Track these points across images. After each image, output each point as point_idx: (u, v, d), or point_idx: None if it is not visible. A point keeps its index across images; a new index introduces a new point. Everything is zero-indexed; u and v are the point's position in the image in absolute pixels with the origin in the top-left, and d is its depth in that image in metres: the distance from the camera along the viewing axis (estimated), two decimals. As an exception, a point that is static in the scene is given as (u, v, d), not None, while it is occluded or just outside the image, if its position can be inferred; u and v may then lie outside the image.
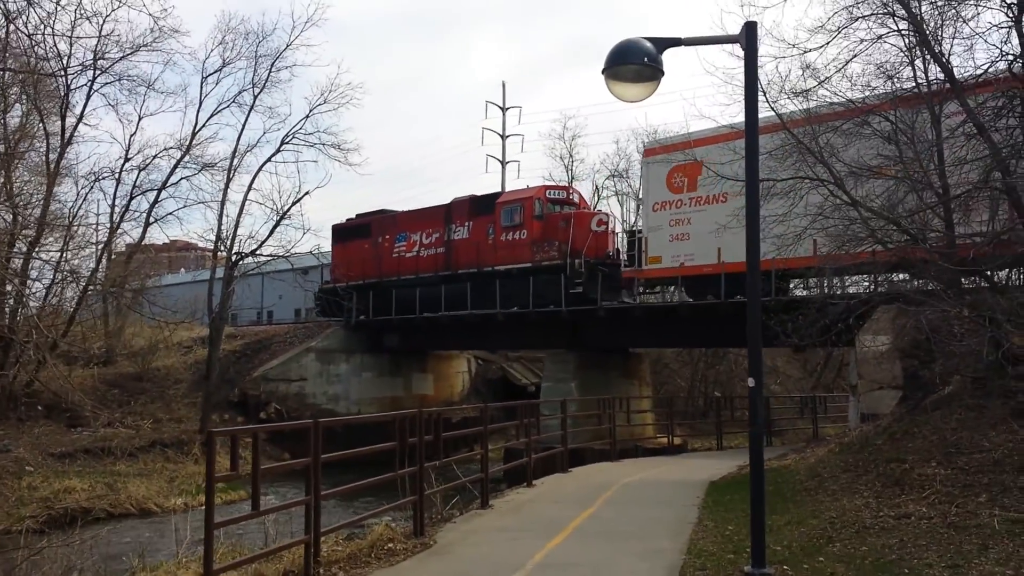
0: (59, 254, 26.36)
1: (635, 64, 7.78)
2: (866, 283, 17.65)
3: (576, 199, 29.64)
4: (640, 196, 26.33)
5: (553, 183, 30.92)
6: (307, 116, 35.89)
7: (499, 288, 27.69)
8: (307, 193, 40.94)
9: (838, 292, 16.98)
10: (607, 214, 28.54)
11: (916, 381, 15.67)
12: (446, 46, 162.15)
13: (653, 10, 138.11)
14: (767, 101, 15.45)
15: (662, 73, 7.94)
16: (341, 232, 35.27)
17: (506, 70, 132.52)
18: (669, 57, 8.22)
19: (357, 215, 35.63)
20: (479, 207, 30.02)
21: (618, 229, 28.65)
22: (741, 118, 18.48)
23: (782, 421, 28.76)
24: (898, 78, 15.04)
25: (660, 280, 25.21)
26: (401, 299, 30.57)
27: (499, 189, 37.88)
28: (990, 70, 13.66)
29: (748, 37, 7.84)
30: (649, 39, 7.94)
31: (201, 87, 34.01)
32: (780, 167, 15.79)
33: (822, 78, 15.17)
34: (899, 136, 14.96)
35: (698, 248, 22.97)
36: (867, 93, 15.37)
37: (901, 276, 16.33)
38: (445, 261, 30.49)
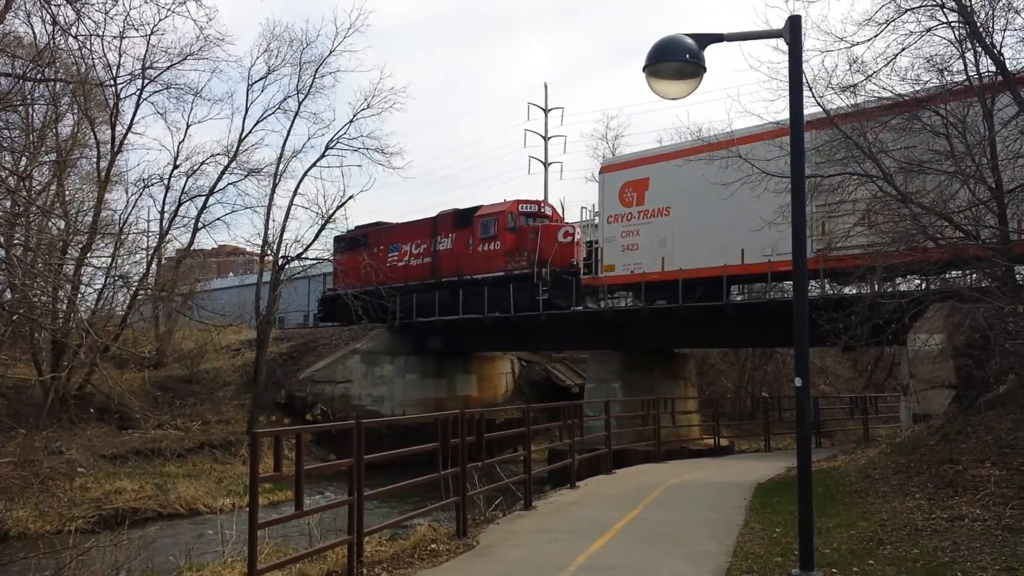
0: (110, 260, 26.89)
1: (676, 61, 7.67)
2: (917, 281, 17.30)
3: (548, 212, 31.76)
4: (597, 209, 27.62)
5: (527, 198, 32.61)
6: (351, 121, 36.18)
7: (487, 294, 29.53)
8: (351, 197, 41.25)
9: (888, 290, 16.64)
10: (573, 226, 30.11)
11: (970, 380, 15.27)
12: (487, 49, 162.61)
13: (696, 7, 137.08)
14: (813, 96, 15.23)
15: (704, 70, 7.81)
16: (341, 242, 35.96)
17: (548, 71, 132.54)
18: (712, 53, 8.10)
19: (356, 227, 36.11)
20: (461, 220, 32.32)
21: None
22: (786, 114, 18.29)
23: (832, 422, 28.28)
24: (948, 71, 14.74)
25: (615, 287, 26.91)
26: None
27: (542, 190, 38.23)
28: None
29: (792, 31, 7.69)
30: (690, 35, 7.82)
31: (247, 94, 34.44)
32: (826, 164, 15.53)
33: (870, 72, 14.91)
34: (950, 130, 14.64)
35: (645, 257, 25.08)
36: (916, 87, 15.08)
37: (954, 273, 15.98)
38: (431, 270, 32.75)
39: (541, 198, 32.98)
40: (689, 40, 7.79)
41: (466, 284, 30.84)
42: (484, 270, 30.45)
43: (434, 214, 33.89)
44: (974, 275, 15.61)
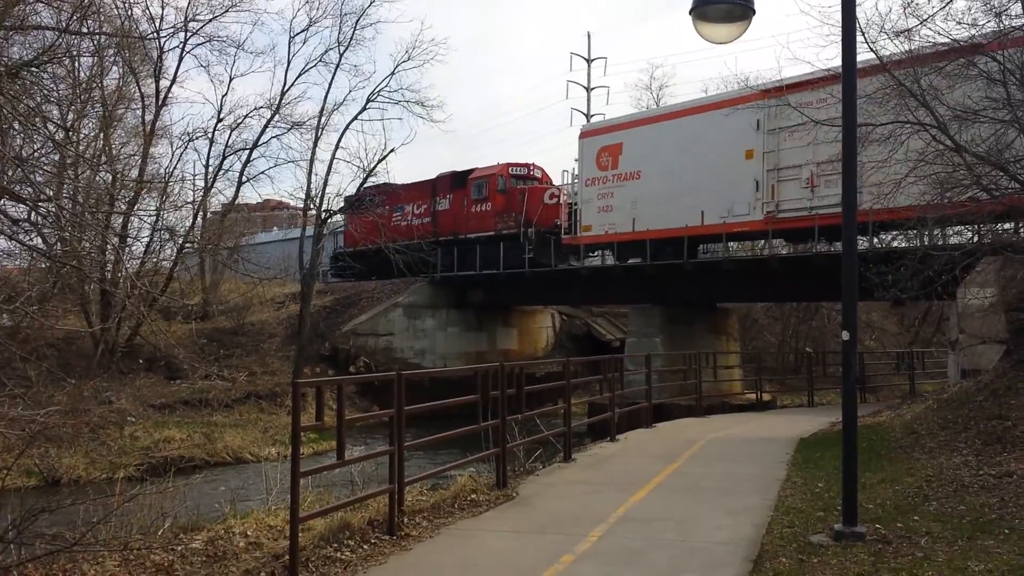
0: (156, 213, 27.20)
1: (724, 3, 7.45)
2: (969, 233, 16.85)
3: (538, 175, 33.06)
4: (576, 173, 28.85)
5: (517, 161, 33.54)
6: (392, 73, 36.04)
7: (479, 252, 31.19)
8: (392, 150, 41.75)
9: (939, 243, 16.25)
10: (559, 188, 31.12)
11: (1021, 335, 14.91)
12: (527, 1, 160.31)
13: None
14: (866, 42, 14.68)
15: (753, 12, 7.59)
16: (351, 203, 36.12)
17: (591, 21, 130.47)
18: (759, -5, 7.82)
19: (364, 187, 35.92)
20: (456, 182, 33.95)
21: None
22: (838, 61, 17.78)
23: (877, 377, 27.90)
24: (1007, 15, 14.16)
25: (594, 246, 28.41)
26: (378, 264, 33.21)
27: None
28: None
29: (844, -30, 7.42)
30: (738, -25, 7.58)
31: (289, 47, 34.47)
32: (879, 111, 15.08)
33: (925, 16, 14.36)
34: (1007, 77, 14.12)
35: (619, 218, 26.59)
36: (973, 32, 14.53)
37: (1008, 226, 15.53)
38: (432, 229, 34.11)
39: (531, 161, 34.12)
40: (737, -19, 7.55)
41: (461, 243, 32.53)
42: (477, 229, 32.19)
43: (434, 176, 35.41)
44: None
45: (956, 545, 6.61)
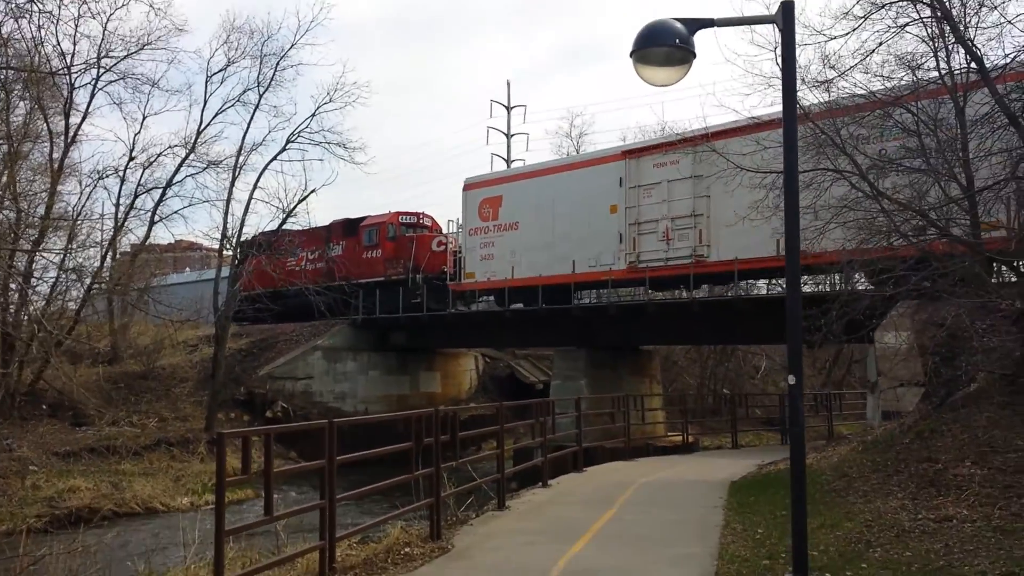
0: (63, 253, 26.04)
1: (665, 46, 7.40)
2: (884, 278, 17.32)
3: (428, 223, 34.47)
4: (460, 223, 30.43)
5: (409, 210, 35.07)
6: (313, 114, 35.38)
7: (378, 297, 31.96)
8: (313, 191, 41.11)
9: (860, 288, 16.65)
10: (447, 236, 32.22)
11: (938, 378, 15.26)
12: (448, 48, 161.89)
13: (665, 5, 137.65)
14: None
15: (693, 56, 7.55)
16: (248, 247, 35.18)
17: (511, 70, 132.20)
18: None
19: (260, 233, 35.34)
20: (349, 229, 35.15)
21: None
22: (761, 110, 18.17)
23: (795, 419, 28.32)
24: (922, 68, 14.70)
25: (476, 291, 29.68)
26: (297, 306, 33.08)
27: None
28: (1019, 59, 13.33)
29: (785, 17, 7.47)
30: (680, 20, 7.56)
31: (206, 86, 33.50)
32: (801, 159, 15.41)
33: (843, 69, 14.81)
34: (921, 128, 14.62)
35: (499, 266, 28.17)
36: (889, 85, 15.05)
37: (925, 271, 15.99)
38: (325, 274, 34.54)
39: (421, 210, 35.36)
40: (679, 25, 7.52)
41: (353, 288, 33.01)
42: (368, 275, 33.07)
43: (328, 223, 36.30)
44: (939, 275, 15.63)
45: (909, 594, 6.54)
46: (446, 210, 67.28)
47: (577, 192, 26.14)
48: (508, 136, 51.97)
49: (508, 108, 51.84)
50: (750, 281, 25.54)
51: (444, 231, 33.14)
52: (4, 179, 24.52)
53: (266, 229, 33.22)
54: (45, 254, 24.69)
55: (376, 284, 32.37)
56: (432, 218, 34.87)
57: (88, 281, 28.44)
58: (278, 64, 33.63)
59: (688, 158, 23.34)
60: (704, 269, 23.24)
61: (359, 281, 33.04)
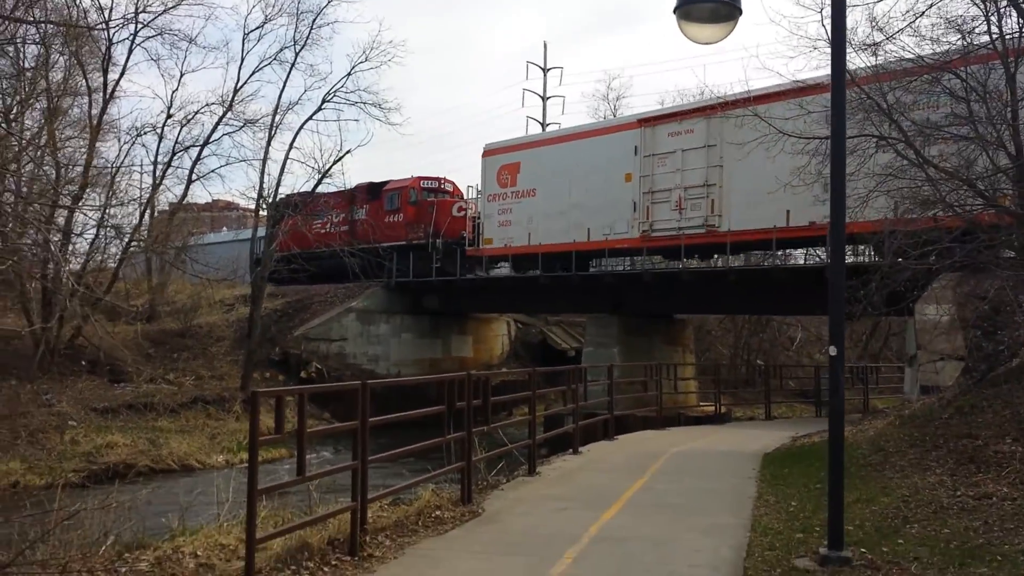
0: (102, 210, 26.29)
1: (711, 1, 7.18)
2: (929, 249, 16.96)
3: (449, 188, 34.33)
4: (480, 188, 30.42)
5: (431, 175, 34.96)
6: (349, 73, 35.54)
7: (411, 259, 32.05)
8: (348, 152, 41.10)
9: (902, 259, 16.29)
10: (467, 201, 32.41)
11: (979, 352, 14.93)
12: (484, 8, 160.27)
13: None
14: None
15: (740, 11, 7.33)
16: (283, 207, 35.33)
17: (547, 32, 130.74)
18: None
19: (287, 195, 35.42)
20: (372, 193, 35.09)
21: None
22: (807, 73, 17.73)
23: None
24: (973, 32, 14.22)
25: (494, 258, 29.95)
26: (330, 267, 33.01)
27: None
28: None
29: (837, -28, 7.20)
30: (727, -25, 7.32)
31: (243, 43, 33.58)
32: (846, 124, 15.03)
33: (892, 32, 14.37)
34: (970, 95, 14.17)
35: (516, 232, 28.33)
36: (938, 49, 14.59)
37: (972, 244, 15.61)
38: (349, 237, 34.25)
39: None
40: (724, -19, 7.29)
41: (376, 251, 32.86)
42: (390, 239, 33.06)
43: (352, 186, 35.92)
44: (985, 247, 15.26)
45: (948, 572, 6.40)
46: (474, 174, 66.95)
47: (593, 160, 26.11)
48: (544, 99, 51.45)
49: (544, 70, 51.26)
50: (763, 251, 25.52)
51: (465, 197, 33.16)
52: (44, 135, 24.74)
53: (301, 190, 33.21)
54: (84, 210, 24.89)
55: (396, 248, 32.54)
56: (453, 183, 34.86)
57: (127, 239, 28.71)
58: (314, 21, 33.64)
59: (701, 126, 23.17)
60: (716, 239, 23.22)
61: (382, 244, 33.10)
